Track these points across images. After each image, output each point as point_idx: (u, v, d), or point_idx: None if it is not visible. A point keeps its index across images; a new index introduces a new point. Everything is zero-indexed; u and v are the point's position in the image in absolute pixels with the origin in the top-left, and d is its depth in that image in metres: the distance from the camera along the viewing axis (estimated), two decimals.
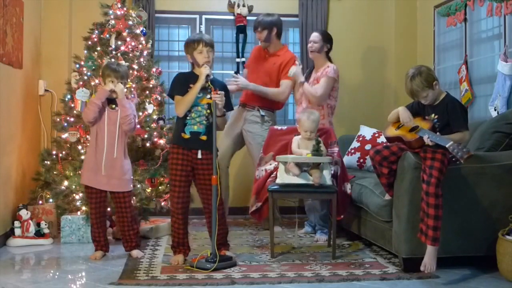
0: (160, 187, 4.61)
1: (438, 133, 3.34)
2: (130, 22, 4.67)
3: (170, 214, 3.74)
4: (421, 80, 3.38)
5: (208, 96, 3.58)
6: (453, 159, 3.28)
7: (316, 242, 4.31)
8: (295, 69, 4.69)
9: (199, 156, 3.58)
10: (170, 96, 3.71)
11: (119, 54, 4.50)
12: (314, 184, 3.76)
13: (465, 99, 4.67)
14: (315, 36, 4.75)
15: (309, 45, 4.77)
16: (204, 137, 3.59)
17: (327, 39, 4.76)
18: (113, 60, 4.41)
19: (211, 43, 3.65)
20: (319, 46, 4.71)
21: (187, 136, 3.60)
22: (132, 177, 3.97)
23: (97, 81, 4.44)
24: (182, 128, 3.61)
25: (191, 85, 3.59)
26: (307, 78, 4.81)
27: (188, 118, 3.61)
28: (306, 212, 4.64)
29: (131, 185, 3.94)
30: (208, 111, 3.59)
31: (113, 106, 3.83)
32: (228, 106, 3.72)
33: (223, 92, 3.57)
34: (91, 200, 3.84)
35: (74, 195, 4.35)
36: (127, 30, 4.61)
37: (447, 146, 3.15)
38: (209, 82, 3.54)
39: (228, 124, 4.76)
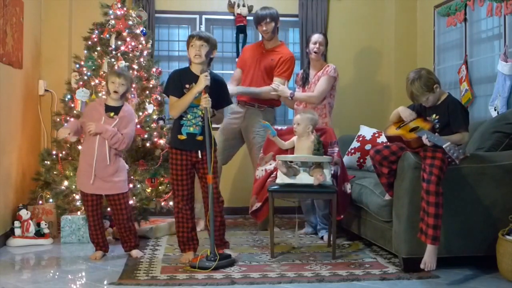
0: (160, 187, 4.61)
1: (437, 133, 3.34)
2: (130, 22, 4.67)
3: (172, 215, 3.73)
4: (421, 85, 3.37)
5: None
6: (449, 159, 3.28)
7: (322, 239, 4.33)
8: (280, 87, 4.63)
9: (200, 156, 3.58)
10: (165, 94, 3.70)
11: (119, 54, 4.51)
12: (314, 184, 3.75)
13: (465, 99, 4.66)
14: (321, 38, 4.69)
15: (316, 46, 4.64)
16: (200, 138, 3.57)
17: (327, 42, 4.81)
18: (112, 60, 4.42)
19: (205, 37, 3.57)
20: (323, 49, 4.71)
21: (183, 137, 3.58)
22: (127, 177, 3.91)
23: (97, 81, 4.44)
24: (179, 129, 3.59)
25: (186, 85, 3.56)
26: (306, 80, 4.78)
27: (184, 119, 3.59)
28: (304, 214, 4.63)
29: (126, 186, 3.89)
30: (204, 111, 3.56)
31: (112, 114, 3.78)
32: (226, 101, 3.72)
33: (207, 96, 3.45)
34: (87, 203, 3.81)
35: (74, 195, 4.34)
36: (127, 30, 4.61)
37: (444, 146, 3.14)
38: (206, 90, 3.46)
39: (226, 121, 4.72)
